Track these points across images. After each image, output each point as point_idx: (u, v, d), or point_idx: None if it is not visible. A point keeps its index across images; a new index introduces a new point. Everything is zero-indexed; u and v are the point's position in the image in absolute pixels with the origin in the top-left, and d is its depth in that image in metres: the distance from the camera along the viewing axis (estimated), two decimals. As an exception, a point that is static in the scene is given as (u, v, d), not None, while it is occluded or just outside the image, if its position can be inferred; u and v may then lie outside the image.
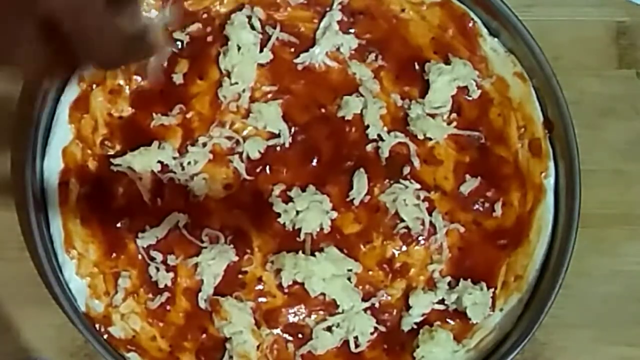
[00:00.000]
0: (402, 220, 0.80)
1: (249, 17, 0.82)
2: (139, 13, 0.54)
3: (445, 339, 0.78)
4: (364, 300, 0.79)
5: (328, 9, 0.83)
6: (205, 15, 0.82)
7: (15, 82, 0.82)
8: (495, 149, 0.82)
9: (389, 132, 0.81)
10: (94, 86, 0.81)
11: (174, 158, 0.80)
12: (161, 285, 0.78)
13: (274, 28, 0.82)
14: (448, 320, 0.79)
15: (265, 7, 0.83)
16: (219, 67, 0.81)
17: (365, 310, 0.79)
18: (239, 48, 0.81)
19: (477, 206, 0.81)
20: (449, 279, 0.80)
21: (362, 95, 0.81)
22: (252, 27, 0.81)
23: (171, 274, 0.79)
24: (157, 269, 0.78)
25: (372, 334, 0.79)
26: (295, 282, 0.79)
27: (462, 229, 0.81)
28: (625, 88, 0.86)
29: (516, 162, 0.82)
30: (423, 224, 0.80)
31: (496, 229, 0.81)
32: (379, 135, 0.81)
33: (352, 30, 0.83)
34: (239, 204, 0.80)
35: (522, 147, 0.82)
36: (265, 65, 0.82)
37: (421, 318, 0.79)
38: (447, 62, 0.82)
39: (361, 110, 0.81)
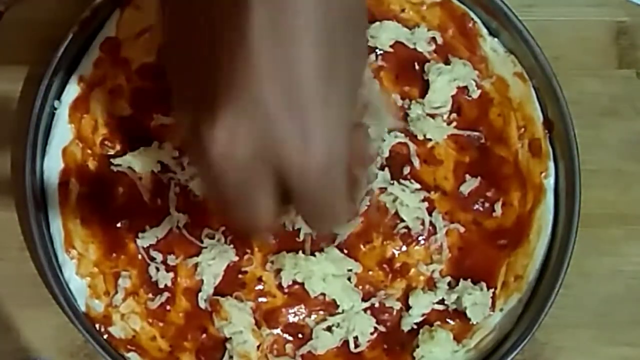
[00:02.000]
0: (402, 220, 0.80)
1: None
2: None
3: (445, 339, 0.78)
4: (364, 300, 0.79)
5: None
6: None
7: (15, 82, 0.82)
8: (495, 149, 0.82)
9: (389, 132, 0.81)
10: (94, 86, 0.81)
11: (174, 158, 0.80)
12: (161, 285, 0.78)
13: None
14: (448, 320, 0.79)
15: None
16: (219, 67, 0.81)
17: (365, 310, 0.79)
18: (239, 48, 0.81)
19: (477, 206, 0.81)
20: (449, 279, 0.80)
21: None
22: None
23: (171, 274, 0.79)
24: (157, 269, 0.78)
25: (372, 334, 0.79)
26: (295, 282, 0.79)
27: (462, 229, 0.81)
28: (625, 88, 0.85)
29: (516, 162, 0.82)
30: (423, 224, 0.80)
31: (496, 229, 0.81)
32: (379, 135, 0.81)
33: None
34: (239, 204, 0.80)
35: (522, 147, 0.82)
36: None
37: (421, 318, 0.79)
38: (447, 62, 0.82)
39: (361, 110, 0.81)
